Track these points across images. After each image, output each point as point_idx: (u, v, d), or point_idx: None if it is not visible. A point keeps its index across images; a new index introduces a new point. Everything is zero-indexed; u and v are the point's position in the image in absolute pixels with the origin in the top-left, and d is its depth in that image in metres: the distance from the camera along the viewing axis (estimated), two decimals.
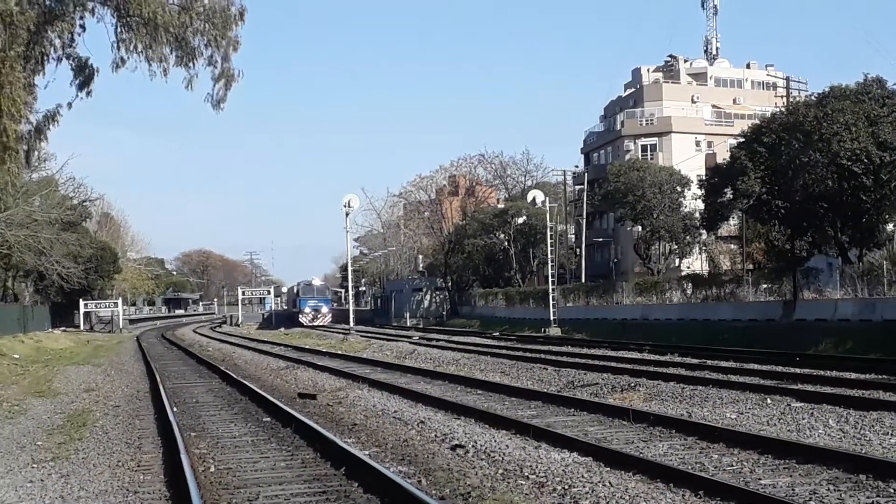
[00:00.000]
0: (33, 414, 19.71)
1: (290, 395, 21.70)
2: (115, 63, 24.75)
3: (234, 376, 26.44)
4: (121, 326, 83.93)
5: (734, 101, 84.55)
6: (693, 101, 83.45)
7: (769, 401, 17.10)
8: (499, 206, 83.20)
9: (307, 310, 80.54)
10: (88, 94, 25.59)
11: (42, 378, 29.79)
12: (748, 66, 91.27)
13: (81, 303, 78.97)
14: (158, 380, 25.57)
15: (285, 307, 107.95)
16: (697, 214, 53.20)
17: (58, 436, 16.19)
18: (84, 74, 25.35)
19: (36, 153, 31.10)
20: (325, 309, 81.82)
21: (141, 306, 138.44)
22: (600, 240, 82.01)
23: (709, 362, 26.36)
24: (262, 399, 20.03)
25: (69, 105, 25.45)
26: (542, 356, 31.32)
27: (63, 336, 63.78)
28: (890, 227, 41.94)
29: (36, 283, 69.03)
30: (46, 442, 15.52)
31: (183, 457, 12.17)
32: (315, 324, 75.83)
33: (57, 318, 74.27)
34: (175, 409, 18.68)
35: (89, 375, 30.32)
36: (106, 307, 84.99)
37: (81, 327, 78.15)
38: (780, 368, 23.62)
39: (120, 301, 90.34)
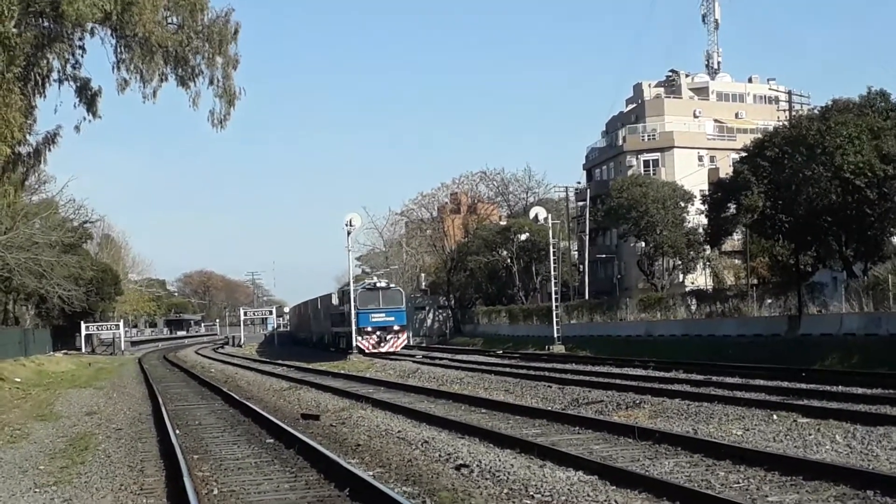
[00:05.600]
0: (35, 438, 19.62)
1: (293, 416, 21.63)
2: (120, 84, 24.89)
3: (237, 398, 26.37)
4: (122, 349, 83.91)
5: (736, 115, 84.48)
6: (695, 116, 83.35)
7: (775, 417, 16.98)
8: (501, 223, 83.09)
9: (369, 328, 51.08)
10: (94, 114, 25.68)
11: (44, 402, 29.70)
12: (750, 81, 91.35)
13: (83, 325, 78.99)
14: (161, 402, 25.52)
15: (287, 328, 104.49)
16: (701, 230, 53.06)
17: (60, 460, 16.10)
18: (86, 96, 25.44)
19: (35, 175, 31.11)
20: (397, 326, 51.82)
21: (142, 328, 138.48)
22: (603, 256, 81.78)
23: (714, 378, 26.18)
24: (264, 420, 19.95)
25: (77, 128, 25.64)
26: (546, 374, 31.18)
27: (65, 359, 63.65)
28: (895, 240, 41.75)
29: (37, 305, 68.93)
30: (49, 466, 15.43)
31: (186, 480, 12.10)
32: (382, 350, 50.28)
33: (58, 340, 74.18)
34: (177, 431, 18.61)
35: (91, 398, 30.25)
36: (107, 329, 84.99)
37: (83, 350, 78.10)
38: (785, 384, 23.48)
39: (121, 323, 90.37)
